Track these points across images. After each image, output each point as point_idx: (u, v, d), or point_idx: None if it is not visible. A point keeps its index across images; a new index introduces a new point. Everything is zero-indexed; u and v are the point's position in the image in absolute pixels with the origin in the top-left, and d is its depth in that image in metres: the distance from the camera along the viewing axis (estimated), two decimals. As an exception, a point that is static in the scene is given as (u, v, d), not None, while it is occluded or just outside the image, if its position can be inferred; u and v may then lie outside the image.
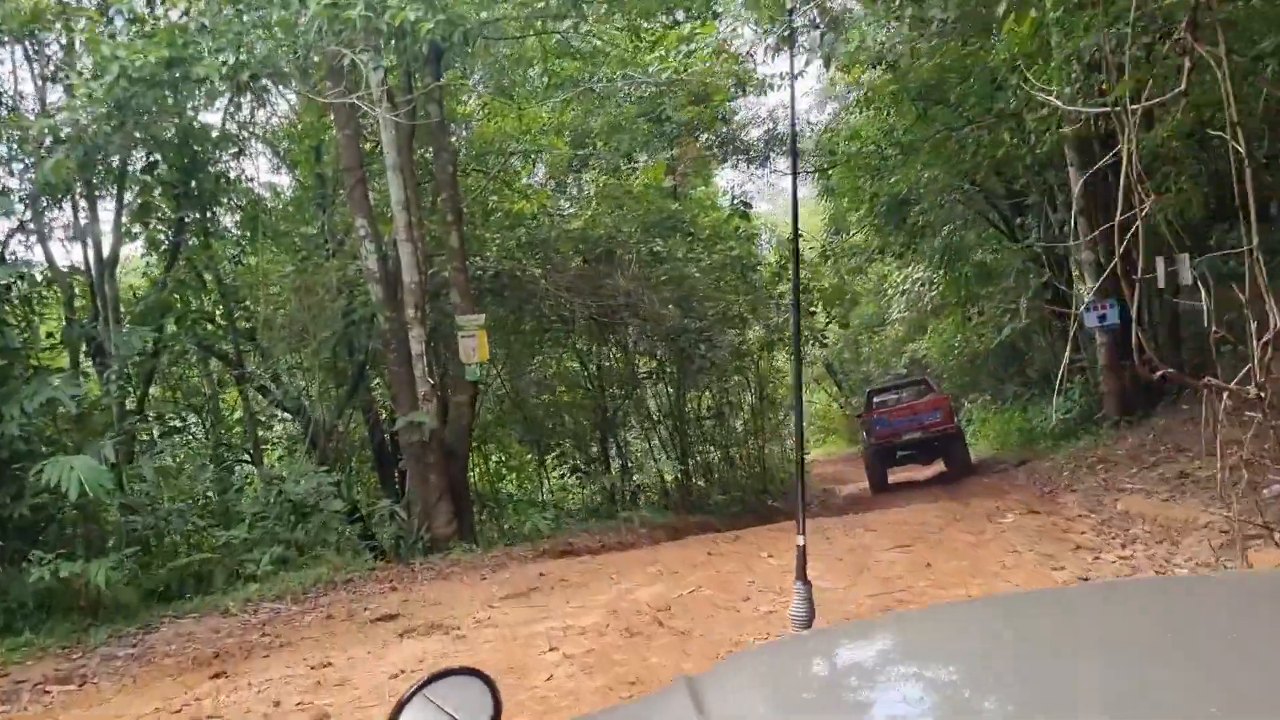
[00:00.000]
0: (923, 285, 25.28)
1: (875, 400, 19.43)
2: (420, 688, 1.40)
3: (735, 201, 21.34)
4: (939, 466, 19.20)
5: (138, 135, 10.90)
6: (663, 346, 14.93)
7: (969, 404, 26.04)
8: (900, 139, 13.77)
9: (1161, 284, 13.84)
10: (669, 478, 16.23)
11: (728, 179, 25.58)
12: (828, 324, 22.90)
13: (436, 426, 9.74)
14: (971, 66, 11.87)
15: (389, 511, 9.57)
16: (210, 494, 9.84)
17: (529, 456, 16.70)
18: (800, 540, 2.18)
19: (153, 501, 8.66)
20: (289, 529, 8.55)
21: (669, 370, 17.59)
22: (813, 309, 21.36)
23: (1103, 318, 13.15)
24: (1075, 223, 13.38)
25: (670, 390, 17.82)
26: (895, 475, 19.10)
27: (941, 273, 21.44)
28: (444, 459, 9.87)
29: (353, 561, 8.48)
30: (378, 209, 10.79)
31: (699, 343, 14.81)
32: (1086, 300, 13.44)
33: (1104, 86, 9.15)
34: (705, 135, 20.01)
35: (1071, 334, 14.03)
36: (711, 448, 18.95)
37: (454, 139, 11.18)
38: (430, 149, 10.79)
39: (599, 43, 11.21)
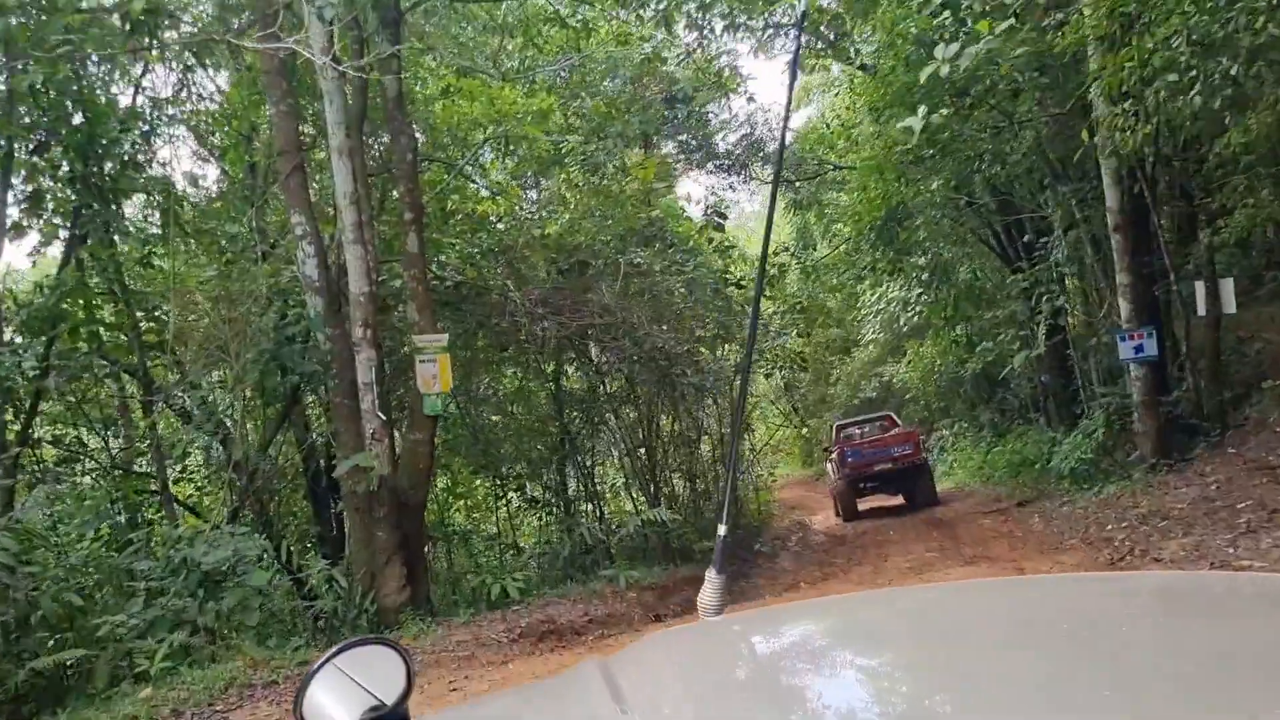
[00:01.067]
0: (900, 305, 23.95)
1: (844, 433, 20.07)
2: (330, 658, 1.36)
3: (709, 212, 19.84)
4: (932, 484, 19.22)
5: (24, 110, 8.96)
6: (641, 369, 13.23)
7: (946, 431, 24.76)
8: (938, 136, 12.27)
9: (1201, 310, 12.59)
10: (644, 516, 14.53)
11: (701, 187, 24.12)
12: (799, 351, 21.41)
13: (387, 472, 7.92)
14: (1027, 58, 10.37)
15: (325, 577, 7.69)
16: (102, 552, 7.85)
17: (479, 483, 14.87)
18: (721, 530, 2.26)
19: (19, 566, 6.69)
20: (196, 605, 6.66)
21: (639, 394, 15.95)
22: (785, 331, 19.89)
23: (1139, 348, 11.75)
24: (1111, 241, 12.01)
25: (642, 416, 16.18)
26: (863, 504, 19.40)
27: (926, 292, 20.11)
28: (395, 511, 8.04)
29: (278, 652, 6.61)
30: (320, 204, 8.97)
31: (683, 366, 13.15)
32: (1122, 328, 12.05)
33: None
34: (683, 136, 18.44)
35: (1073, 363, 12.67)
36: (682, 478, 17.31)
37: (414, 124, 9.39)
38: (385, 133, 8.99)
39: (590, 11, 9.53)
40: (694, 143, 18.38)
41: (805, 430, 30.14)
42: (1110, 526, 10.42)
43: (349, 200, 7.80)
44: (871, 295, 25.69)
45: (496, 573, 9.43)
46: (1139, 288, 11.97)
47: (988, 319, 19.25)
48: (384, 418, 7.89)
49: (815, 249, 27.97)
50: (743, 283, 16.45)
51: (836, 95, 25.11)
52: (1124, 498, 11.53)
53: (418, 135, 9.16)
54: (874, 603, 1.93)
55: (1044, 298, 14.29)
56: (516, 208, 11.82)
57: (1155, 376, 12.00)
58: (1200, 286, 11.76)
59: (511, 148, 10.90)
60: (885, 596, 2.34)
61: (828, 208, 27.17)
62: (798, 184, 26.39)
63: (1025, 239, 15.65)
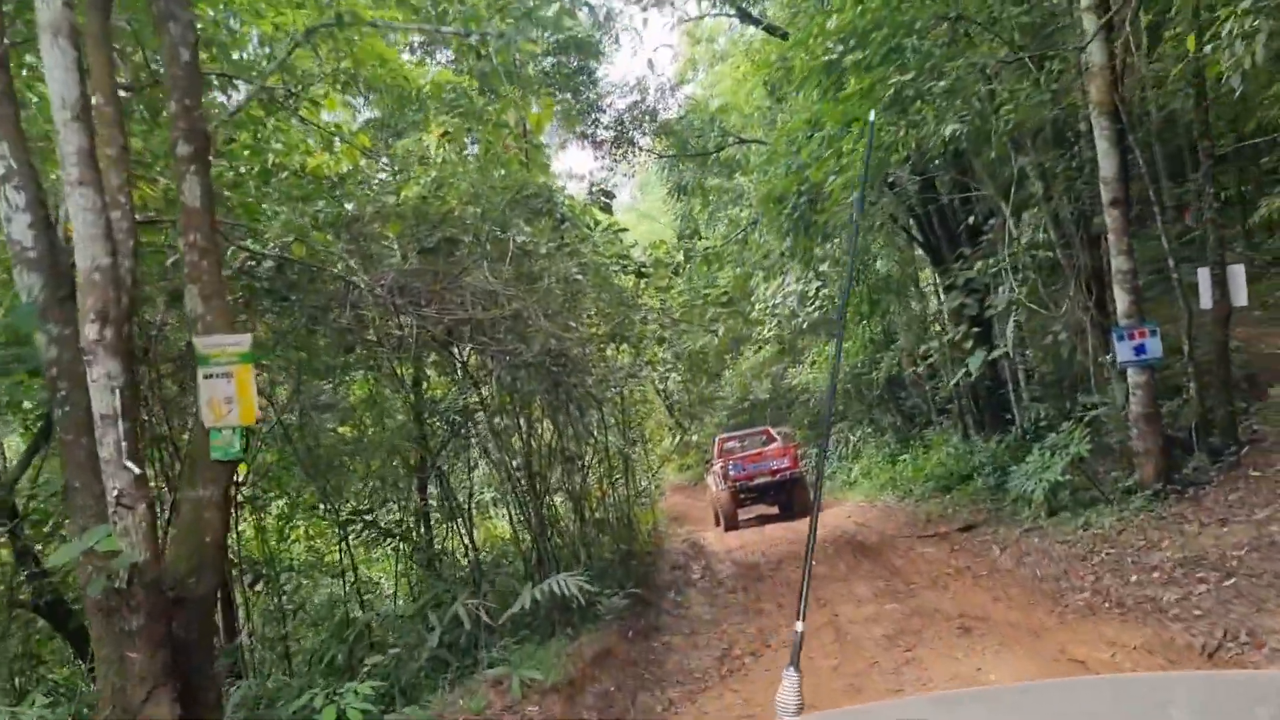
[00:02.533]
0: (798, 300, 21.79)
1: (726, 446, 20.97)
2: None
3: (594, 190, 17.13)
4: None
5: None
6: (530, 376, 10.39)
7: (849, 435, 22.74)
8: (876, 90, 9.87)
9: (1206, 303, 10.61)
10: (538, 591, 11.72)
11: (582, 162, 21.38)
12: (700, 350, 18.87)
13: (144, 557, 4.87)
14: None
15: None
16: None
17: (319, 509, 11.66)
18: (799, 627, 2.19)
19: None
20: None
21: (519, 404, 13.09)
22: (669, 332, 17.34)
23: (1140, 349, 9.65)
24: (1105, 217, 9.86)
25: (521, 428, 13.32)
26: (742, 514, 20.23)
27: (836, 285, 17.95)
28: (160, 616, 5.00)
29: None
30: (37, 132, 5.82)
31: (581, 372, 10.38)
32: (1119, 324, 9.94)
33: None
34: (568, 95, 15.62)
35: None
36: (566, 500, 14.54)
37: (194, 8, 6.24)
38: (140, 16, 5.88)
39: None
40: (584, 103, 15.56)
41: (692, 435, 27.83)
42: (1134, 577, 8.20)
43: (72, 114, 4.71)
44: (766, 290, 23.51)
45: (333, 679, 6.45)
46: (1139, 275, 9.88)
47: (906, 316, 17.29)
48: (136, 470, 4.83)
49: (700, 237, 25.60)
50: (644, 270, 13.78)
51: (733, 63, 22.78)
52: (1127, 533, 9.39)
53: (199, 25, 6.04)
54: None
55: (999, 289, 12.15)
56: (366, 164, 8.79)
57: (1159, 384, 9.94)
58: (1205, 275, 9.75)
59: (347, 69, 7.83)
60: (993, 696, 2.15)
61: (713, 194, 24.88)
62: (683, 168, 23.98)
63: (970, 221, 13.52)
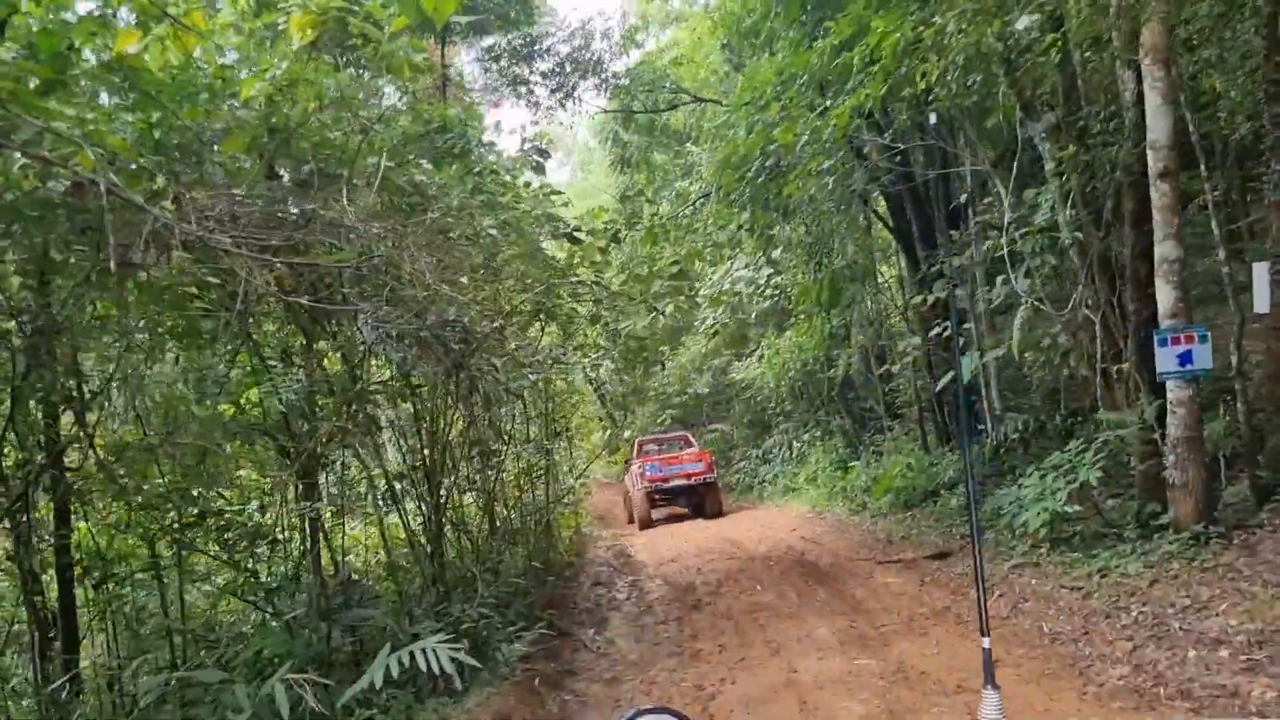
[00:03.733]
0: (749, 286, 19.78)
1: (645, 448, 21.50)
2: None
3: (525, 146, 14.86)
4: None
5: None
6: (422, 354, 8.12)
7: (797, 443, 20.81)
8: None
9: (1262, 306, 8.77)
10: (407, 578, 9.47)
11: (514, 116, 19.05)
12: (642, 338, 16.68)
13: None
14: None
15: None
16: None
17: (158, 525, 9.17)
18: (986, 643, 2.18)
19: None
20: None
21: (417, 389, 10.80)
22: (605, 309, 15.17)
23: (1185, 357, 7.77)
24: (1152, 191, 7.94)
25: (420, 416, 11.03)
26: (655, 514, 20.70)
27: (800, 270, 15.96)
28: None
29: None
30: None
31: (488, 355, 8.15)
32: (1161, 327, 8.04)
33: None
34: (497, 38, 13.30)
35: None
36: (479, 510, 12.28)
37: None
38: None
39: None
40: (515, 46, 13.25)
41: (624, 430, 25.77)
42: (1191, 653, 6.29)
43: None
44: (713, 274, 21.48)
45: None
46: (1185, 267, 7.99)
47: (865, 309, 15.41)
48: None
49: (648, 200, 23.44)
50: (579, 232, 11.61)
51: (689, 25, 20.61)
52: (1163, 586, 7.51)
53: None
54: None
55: (995, 280, 10.22)
56: (203, 55, 6.45)
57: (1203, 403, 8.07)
58: (1262, 272, 7.91)
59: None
60: None
61: (660, 170, 22.75)
62: (628, 137, 21.86)
63: (963, 199, 11.58)
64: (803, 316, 17.96)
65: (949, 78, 8.49)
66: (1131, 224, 8.46)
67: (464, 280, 7.26)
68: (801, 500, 19.23)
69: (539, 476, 14.75)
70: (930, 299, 11.71)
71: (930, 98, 9.23)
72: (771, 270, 19.26)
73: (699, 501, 20.13)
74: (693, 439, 21.97)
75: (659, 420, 25.96)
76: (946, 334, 12.14)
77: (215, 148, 6.51)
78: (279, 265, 5.86)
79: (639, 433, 24.52)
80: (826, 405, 20.11)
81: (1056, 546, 9.18)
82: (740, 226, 13.30)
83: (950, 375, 9.92)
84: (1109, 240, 8.84)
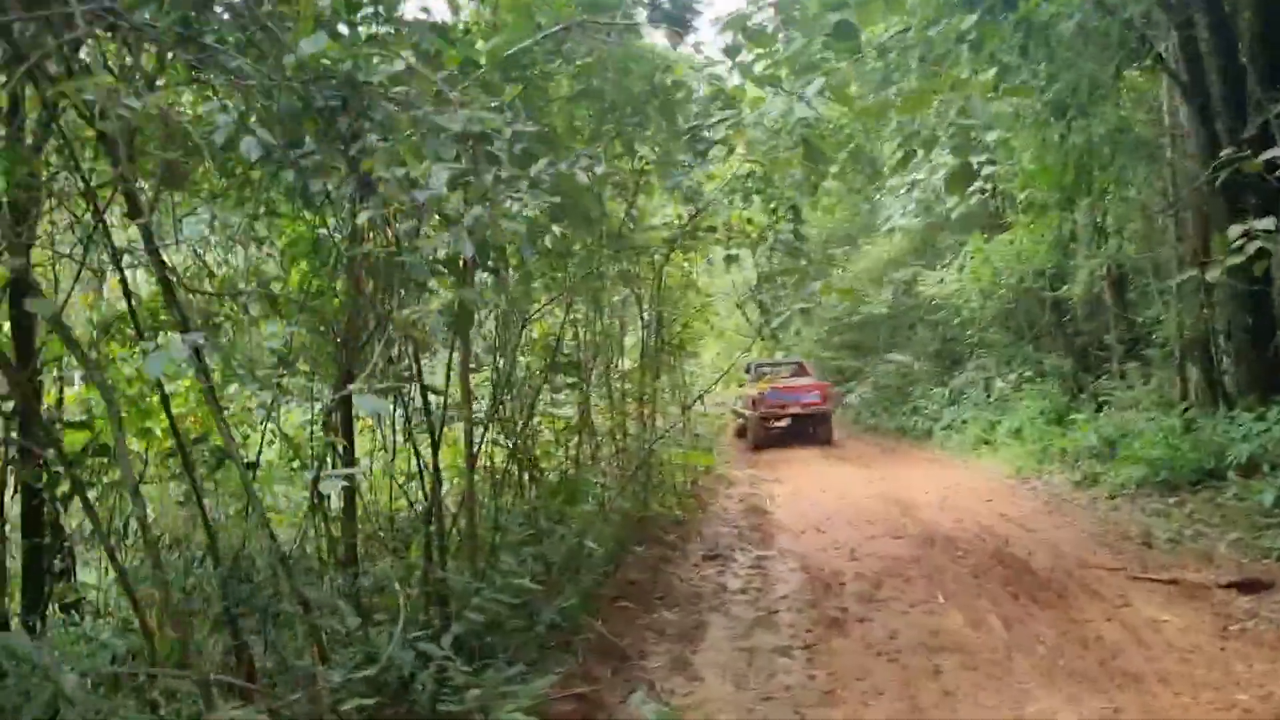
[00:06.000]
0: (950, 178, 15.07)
1: (761, 370, 20.70)
2: None
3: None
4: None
5: None
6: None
7: (1002, 383, 16.16)
8: None
9: None
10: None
11: None
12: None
13: None
14: None
15: None
16: None
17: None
18: None
19: None
20: None
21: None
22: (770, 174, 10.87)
23: None
24: None
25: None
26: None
27: (1042, 138, 11.23)
28: None
29: None
30: None
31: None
32: None
33: None
34: None
35: None
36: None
37: None
38: None
39: None
40: None
41: (776, 353, 21.81)
42: None
43: None
44: (895, 164, 16.79)
45: None
46: None
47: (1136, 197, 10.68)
48: None
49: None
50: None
51: None
52: None
53: None
54: None
55: None
56: None
57: None
58: None
59: None
60: None
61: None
62: None
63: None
64: (1029, 211, 13.19)
65: None
66: None
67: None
68: (999, 458, 14.74)
69: (646, 399, 11.03)
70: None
71: None
72: (984, 156, 14.51)
73: (813, 431, 20.30)
74: (809, 367, 21.93)
75: (820, 344, 22.38)
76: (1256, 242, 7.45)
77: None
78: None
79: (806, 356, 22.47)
80: (1044, 337, 15.43)
81: None
82: (960, 38, 8.78)
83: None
84: None
